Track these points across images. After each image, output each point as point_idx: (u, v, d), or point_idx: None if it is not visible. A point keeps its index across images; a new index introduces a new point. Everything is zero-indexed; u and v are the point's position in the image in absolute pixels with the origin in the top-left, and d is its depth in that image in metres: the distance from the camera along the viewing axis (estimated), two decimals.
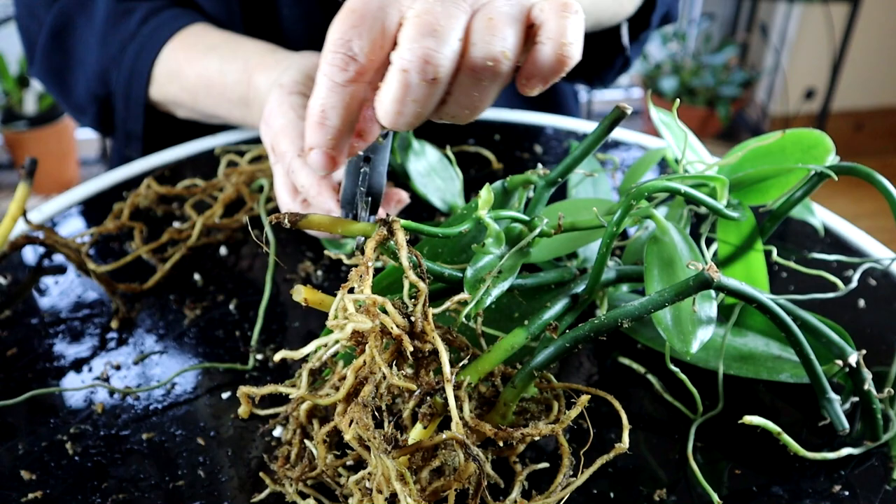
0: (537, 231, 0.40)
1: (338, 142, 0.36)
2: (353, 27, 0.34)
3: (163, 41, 0.67)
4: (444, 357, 0.32)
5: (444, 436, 0.33)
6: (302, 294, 0.35)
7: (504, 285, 0.39)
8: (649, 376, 0.45)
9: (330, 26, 0.35)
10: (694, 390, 0.42)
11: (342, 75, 0.34)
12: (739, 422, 0.37)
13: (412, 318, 0.33)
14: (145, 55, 0.68)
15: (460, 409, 0.34)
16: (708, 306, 0.39)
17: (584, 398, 0.36)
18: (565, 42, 0.35)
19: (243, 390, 0.36)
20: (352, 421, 0.32)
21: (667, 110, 0.51)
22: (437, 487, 0.33)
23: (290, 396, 0.38)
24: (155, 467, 0.40)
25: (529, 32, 0.36)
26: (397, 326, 0.32)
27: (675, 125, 0.50)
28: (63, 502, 0.38)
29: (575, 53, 0.35)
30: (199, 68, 0.65)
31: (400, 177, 0.62)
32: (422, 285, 0.34)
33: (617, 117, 0.39)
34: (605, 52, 0.76)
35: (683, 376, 0.41)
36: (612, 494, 0.38)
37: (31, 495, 0.38)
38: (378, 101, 0.35)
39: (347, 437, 0.32)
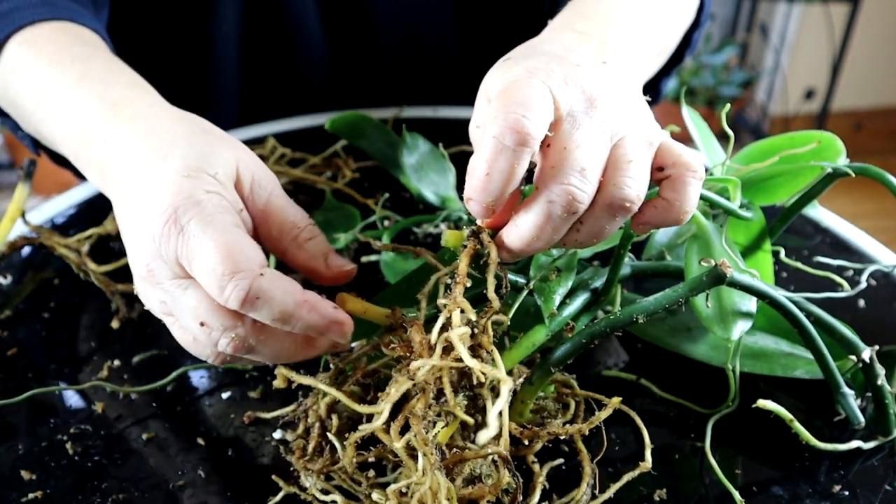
0: None
1: (499, 201, 0.34)
2: (522, 105, 0.32)
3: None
4: (505, 385, 0.32)
5: (489, 450, 0.33)
6: (346, 304, 0.35)
7: (568, 283, 0.40)
8: (643, 381, 0.45)
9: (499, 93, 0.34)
10: (729, 387, 0.42)
11: (514, 138, 0.32)
12: (753, 406, 0.37)
13: (475, 331, 0.33)
14: None
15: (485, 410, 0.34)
16: (747, 301, 0.40)
17: (616, 400, 0.37)
18: (686, 210, 0.36)
19: (282, 371, 0.37)
20: (403, 429, 0.32)
21: (698, 114, 0.52)
22: (467, 495, 0.33)
23: (314, 394, 0.39)
24: (155, 467, 0.40)
25: (655, 174, 0.36)
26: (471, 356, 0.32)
27: (706, 129, 0.51)
28: (63, 502, 0.38)
29: (690, 215, 0.36)
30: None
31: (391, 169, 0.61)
32: (496, 304, 0.34)
33: None
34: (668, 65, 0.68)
35: (731, 374, 0.42)
36: (612, 494, 0.38)
37: (31, 495, 0.38)
38: (513, 225, 0.35)
39: (398, 445, 0.32)
